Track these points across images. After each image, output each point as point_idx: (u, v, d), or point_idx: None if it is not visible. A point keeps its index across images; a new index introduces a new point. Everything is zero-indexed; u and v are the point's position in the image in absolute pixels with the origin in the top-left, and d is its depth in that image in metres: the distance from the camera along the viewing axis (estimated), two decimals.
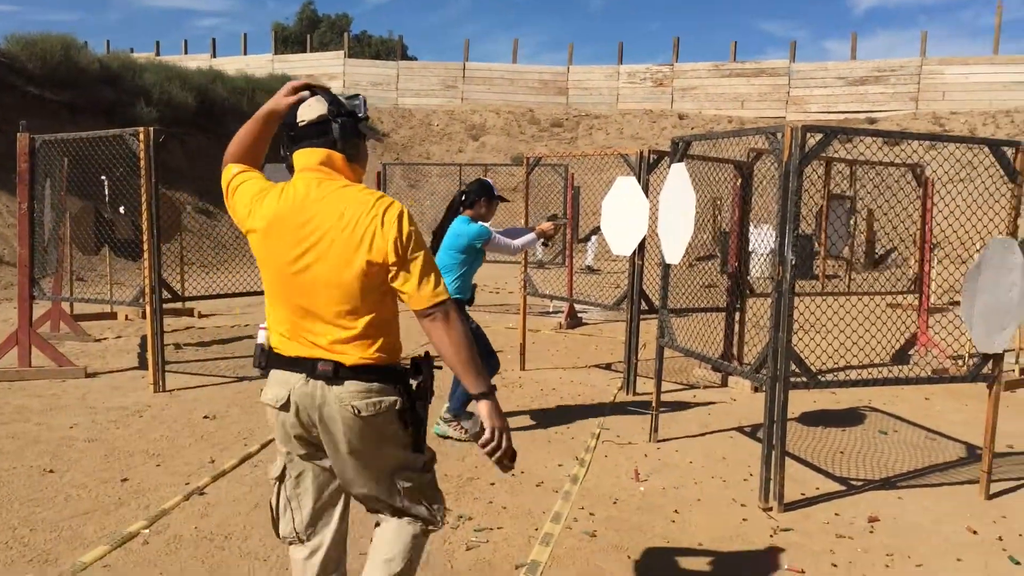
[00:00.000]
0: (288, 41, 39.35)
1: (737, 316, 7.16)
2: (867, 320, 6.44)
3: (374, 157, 23.99)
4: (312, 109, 2.35)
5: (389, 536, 2.44)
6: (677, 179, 4.97)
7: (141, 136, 6.12)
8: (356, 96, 2.44)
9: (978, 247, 6.46)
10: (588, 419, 5.84)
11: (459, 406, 5.23)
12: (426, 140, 26.32)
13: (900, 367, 7.74)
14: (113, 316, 9.86)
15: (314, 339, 2.27)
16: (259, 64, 29.70)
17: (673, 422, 5.77)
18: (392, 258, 2.20)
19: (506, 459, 2.28)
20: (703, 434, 5.58)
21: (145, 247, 6.22)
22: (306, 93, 2.40)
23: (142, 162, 6.14)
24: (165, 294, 6.41)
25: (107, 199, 7.93)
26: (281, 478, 2.43)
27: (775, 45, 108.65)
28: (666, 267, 5.28)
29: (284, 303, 2.30)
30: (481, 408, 2.25)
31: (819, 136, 3.99)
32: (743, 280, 7.12)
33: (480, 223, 5.29)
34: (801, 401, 6.22)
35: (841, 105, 24.56)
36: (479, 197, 5.33)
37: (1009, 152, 4.29)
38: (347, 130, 2.35)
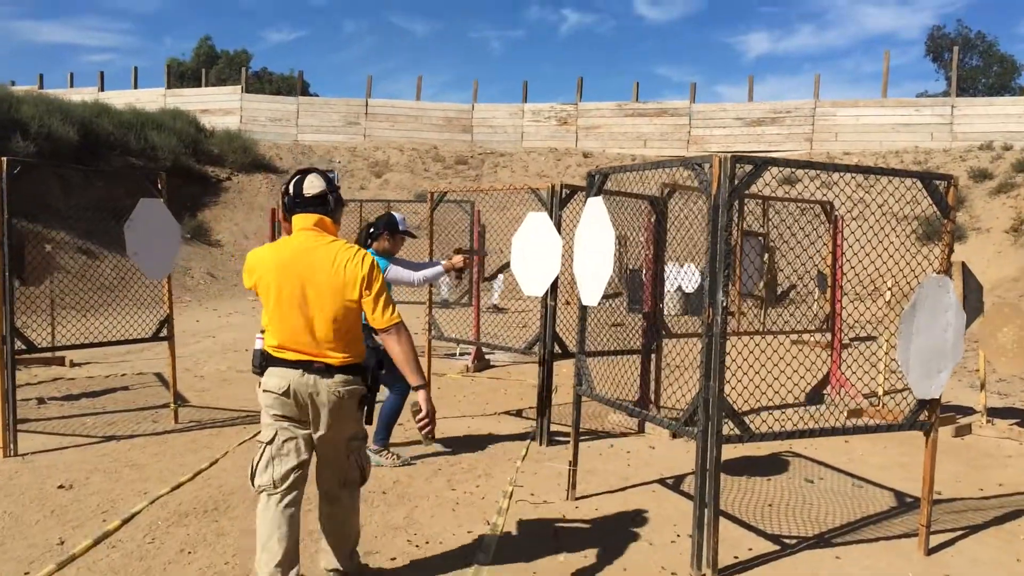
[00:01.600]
0: (184, 77, 38.03)
1: (653, 359, 6.82)
2: (782, 360, 6.19)
3: (271, 195, 23.17)
4: (314, 186, 3.32)
5: (340, 502, 3.43)
6: (594, 214, 4.60)
7: None
8: (332, 171, 3.46)
9: (888, 284, 6.33)
10: (499, 475, 5.35)
11: (384, 438, 5.52)
12: None
13: (816, 407, 7.56)
14: None
15: (308, 347, 3.23)
16: (150, 98, 28.45)
17: (592, 476, 5.34)
18: (367, 291, 3.24)
19: (432, 434, 3.40)
20: (624, 488, 5.16)
21: None
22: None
23: None
24: (19, 344, 5.63)
25: None
26: (271, 441, 3.28)
27: (671, 89, 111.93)
28: (583, 309, 4.88)
29: (286, 322, 3.23)
30: (420, 395, 3.34)
31: (749, 167, 3.68)
32: (659, 321, 6.80)
33: (381, 256, 5.19)
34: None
35: (740, 145, 25.06)
36: (383, 231, 5.34)
37: (941, 186, 4.07)
38: (337, 201, 3.41)
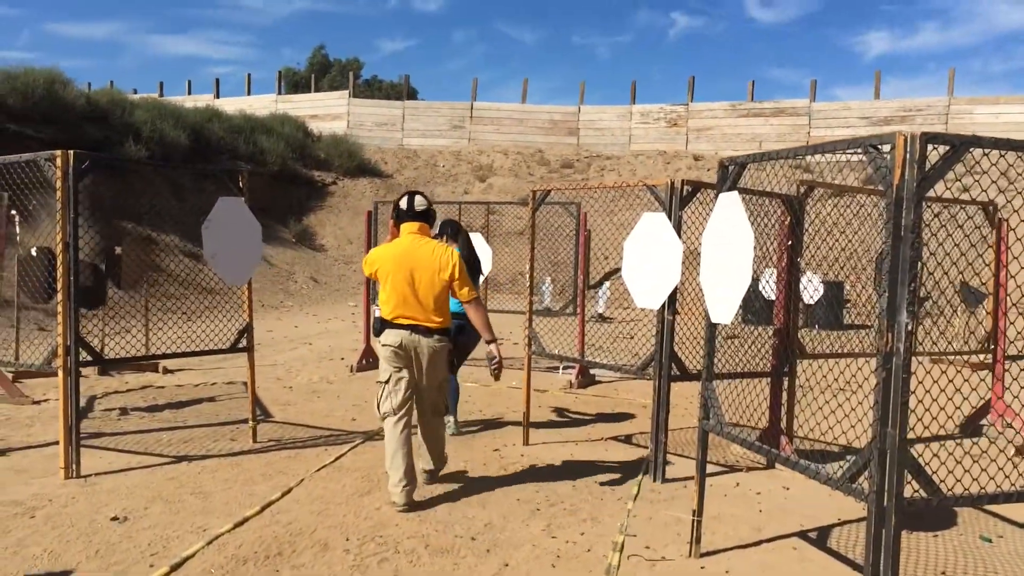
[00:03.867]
0: (298, 85, 38.65)
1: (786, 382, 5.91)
2: (934, 385, 5.19)
3: (375, 199, 22.97)
4: (422, 203, 4.84)
5: (431, 423, 4.96)
6: (728, 211, 3.79)
7: (58, 162, 4.98)
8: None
9: None
10: (607, 520, 4.58)
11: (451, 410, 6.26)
12: (431, 181, 25.26)
13: (974, 441, 6.46)
14: None
15: (414, 314, 4.66)
16: (262, 104, 28.90)
17: (717, 523, 4.51)
18: (457, 276, 4.75)
19: (498, 375, 4.94)
20: (758, 543, 4.30)
21: (60, 297, 5.05)
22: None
23: (59, 193, 4.99)
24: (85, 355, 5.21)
25: (19, 237, 6.78)
26: (387, 381, 4.72)
27: (784, 92, 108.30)
28: (711, 328, 4.06)
29: (399, 298, 4.66)
30: (492, 347, 4.88)
31: (944, 149, 2.81)
32: (793, 338, 5.89)
33: None
34: None
35: None
36: (447, 234, 6.04)
37: None
38: (433, 213, 4.95)
